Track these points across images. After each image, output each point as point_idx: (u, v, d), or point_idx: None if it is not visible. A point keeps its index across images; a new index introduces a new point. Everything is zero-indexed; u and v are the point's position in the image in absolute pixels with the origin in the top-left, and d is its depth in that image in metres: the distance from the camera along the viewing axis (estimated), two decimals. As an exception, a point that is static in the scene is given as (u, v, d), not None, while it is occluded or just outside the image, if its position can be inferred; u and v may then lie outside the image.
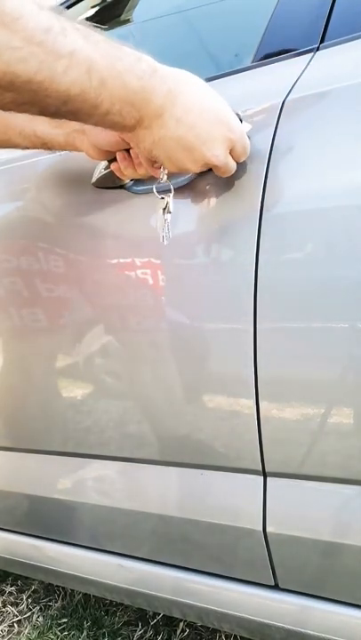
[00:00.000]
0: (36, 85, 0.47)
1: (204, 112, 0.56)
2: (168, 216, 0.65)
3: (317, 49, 0.68)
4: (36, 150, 0.89)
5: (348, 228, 0.59)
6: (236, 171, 0.62)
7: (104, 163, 0.73)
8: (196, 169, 0.60)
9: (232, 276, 0.66)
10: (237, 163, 0.62)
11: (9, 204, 0.91)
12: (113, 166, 0.69)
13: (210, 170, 0.62)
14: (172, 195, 0.64)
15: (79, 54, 0.48)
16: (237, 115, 0.61)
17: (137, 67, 0.52)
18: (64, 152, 0.83)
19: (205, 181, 0.67)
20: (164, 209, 0.65)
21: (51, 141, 0.72)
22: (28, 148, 0.76)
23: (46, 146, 0.73)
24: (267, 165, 0.63)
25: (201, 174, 0.67)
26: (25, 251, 0.84)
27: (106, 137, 0.66)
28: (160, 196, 0.65)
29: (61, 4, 1.03)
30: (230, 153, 0.60)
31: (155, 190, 0.64)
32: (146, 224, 0.73)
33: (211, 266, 0.68)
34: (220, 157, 0.59)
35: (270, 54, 0.73)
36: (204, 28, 1.00)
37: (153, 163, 0.62)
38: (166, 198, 0.65)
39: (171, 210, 0.65)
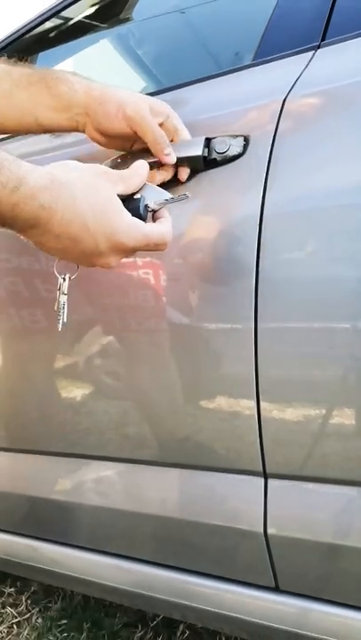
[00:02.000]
0: None
1: (88, 226, 0.52)
2: (63, 298, 0.59)
3: (318, 47, 0.68)
4: (37, 150, 0.88)
5: (348, 227, 0.59)
6: (236, 170, 0.62)
7: (107, 162, 0.72)
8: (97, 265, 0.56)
9: (232, 276, 0.65)
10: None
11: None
12: None
13: (210, 169, 0.61)
14: (68, 277, 0.59)
15: None
16: (146, 206, 0.58)
17: None
18: (65, 152, 0.83)
19: (206, 181, 0.66)
20: (59, 289, 0.59)
21: (52, 126, 0.70)
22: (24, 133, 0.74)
23: (47, 131, 0.71)
24: (267, 164, 0.63)
25: (201, 174, 0.66)
26: (26, 251, 0.84)
27: (110, 122, 0.65)
28: (60, 276, 0.59)
29: (61, 4, 1.03)
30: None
31: (55, 269, 0.59)
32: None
33: (211, 266, 0.67)
34: (114, 264, 0.56)
35: (271, 53, 0.72)
36: (205, 27, 1.00)
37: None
38: (66, 279, 0.59)
39: (65, 291, 0.59)
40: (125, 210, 0.55)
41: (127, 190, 0.56)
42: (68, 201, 0.50)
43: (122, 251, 0.55)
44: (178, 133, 0.68)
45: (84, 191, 0.52)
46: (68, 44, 1.16)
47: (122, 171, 0.58)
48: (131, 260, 0.73)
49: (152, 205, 0.59)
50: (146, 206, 0.58)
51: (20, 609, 1.22)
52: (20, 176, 0.47)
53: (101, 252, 0.54)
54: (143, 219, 0.57)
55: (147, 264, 0.72)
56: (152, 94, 0.80)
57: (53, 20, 1.07)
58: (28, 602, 1.24)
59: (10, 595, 1.27)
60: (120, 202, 0.55)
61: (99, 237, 0.53)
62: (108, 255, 0.55)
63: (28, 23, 1.04)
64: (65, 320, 0.59)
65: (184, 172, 0.68)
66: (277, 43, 0.74)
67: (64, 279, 0.59)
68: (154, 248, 0.57)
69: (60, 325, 0.59)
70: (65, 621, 1.16)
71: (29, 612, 1.21)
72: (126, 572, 0.84)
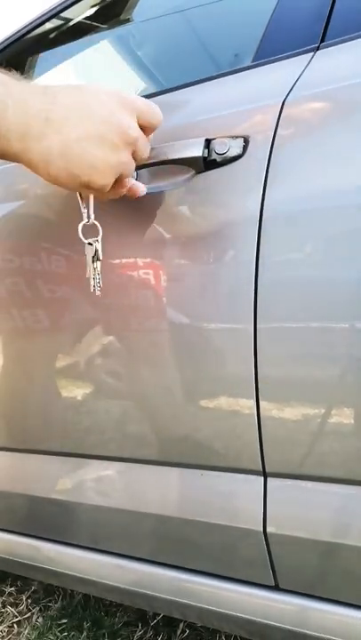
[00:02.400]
0: None
1: (88, 89, 0.54)
2: (98, 264, 0.59)
3: (318, 48, 0.68)
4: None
5: (348, 227, 0.59)
6: (236, 170, 0.62)
7: None
8: (124, 157, 0.56)
9: (232, 276, 0.66)
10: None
11: (10, 204, 0.91)
12: None
13: (209, 170, 0.61)
14: (100, 237, 0.58)
15: None
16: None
17: None
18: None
19: (206, 181, 0.67)
20: (93, 257, 0.60)
21: None
22: None
23: None
24: (267, 165, 0.63)
25: (201, 175, 0.67)
26: (26, 251, 0.84)
27: None
28: (87, 242, 0.59)
29: (61, 5, 1.03)
30: (133, 155, 0.57)
31: (80, 234, 0.59)
32: (147, 224, 0.72)
33: (211, 266, 0.68)
34: (133, 126, 0.55)
35: (271, 54, 0.73)
36: (205, 28, 1.00)
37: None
38: (95, 245, 0.59)
39: (100, 257, 0.59)
40: None
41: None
42: (62, 86, 0.53)
43: (129, 104, 0.55)
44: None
45: (75, 89, 0.55)
46: (68, 45, 1.16)
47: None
48: (131, 259, 0.74)
49: None
50: None
51: (20, 608, 1.22)
52: (18, 81, 0.52)
53: (112, 109, 0.54)
54: None
55: (147, 264, 0.72)
56: (152, 95, 0.81)
57: (53, 20, 1.07)
58: (29, 601, 1.24)
59: (10, 594, 1.27)
60: None
61: (102, 95, 0.54)
62: (120, 110, 0.54)
63: (29, 24, 1.04)
64: (100, 284, 0.60)
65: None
66: (277, 44, 0.74)
67: (90, 244, 0.59)
68: (152, 114, 0.57)
69: (97, 291, 0.59)
70: (65, 621, 1.16)
71: (30, 611, 1.21)
72: (126, 571, 0.85)
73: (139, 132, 0.56)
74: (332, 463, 0.63)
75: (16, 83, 0.52)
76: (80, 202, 0.59)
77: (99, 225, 0.60)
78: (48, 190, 0.86)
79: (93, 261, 0.60)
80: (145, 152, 0.58)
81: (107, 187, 0.56)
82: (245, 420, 0.66)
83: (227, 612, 0.76)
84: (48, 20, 1.05)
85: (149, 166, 0.69)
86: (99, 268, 0.60)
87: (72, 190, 0.58)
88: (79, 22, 1.10)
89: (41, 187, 0.88)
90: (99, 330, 0.79)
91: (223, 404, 0.69)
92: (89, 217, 0.59)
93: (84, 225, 0.60)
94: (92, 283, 0.60)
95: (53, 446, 0.89)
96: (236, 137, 0.65)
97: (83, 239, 0.59)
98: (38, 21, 1.04)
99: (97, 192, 0.57)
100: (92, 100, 0.53)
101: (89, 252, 0.60)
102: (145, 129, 0.58)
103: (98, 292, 0.60)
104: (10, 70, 0.68)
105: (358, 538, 0.63)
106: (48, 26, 1.08)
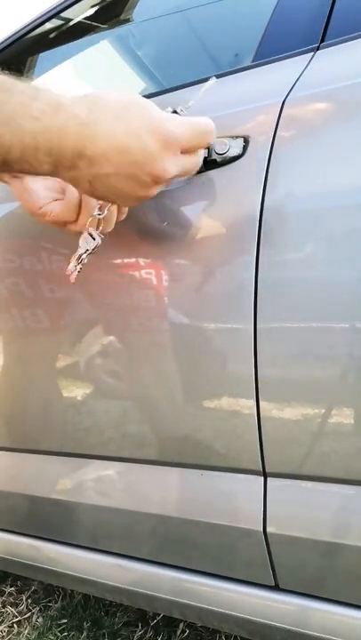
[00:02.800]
0: None
1: (131, 126, 0.50)
2: (86, 258, 0.61)
3: (318, 48, 0.68)
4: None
5: (348, 227, 0.59)
6: (236, 170, 0.62)
7: None
8: (152, 192, 0.55)
9: (232, 276, 0.66)
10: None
11: (10, 204, 0.91)
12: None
13: (209, 170, 0.61)
14: (97, 243, 0.60)
15: None
16: (175, 111, 0.58)
17: (32, 106, 0.47)
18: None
19: (205, 181, 0.67)
20: (94, 249, 0.61)
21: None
22: None
23: None
24: (267, 165, 0.63)
25: (201, 175, 0.67)
26: (27, 251, 0.84)
27: None
28: (90, 233, 0.61)
29: (61, 5, 1.03)
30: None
31: (87, 225, 0.60)
32: (147, 224, 0.72)
33: (211, 266, 0.68)
34: (171, 169, 0.53)
35: (271, 54, 0.73)
36: (205, 28, 1.00)
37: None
38: (97, 238, 0.61)
39: (94, 252, 0.61)
40: None
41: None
42: (105, 108, 0.50)
43: (173, 145, 0.52)
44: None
45: (115, 96, 0.51)
46: (68, 45, 1.16)
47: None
48: (132, 259, 0.74)
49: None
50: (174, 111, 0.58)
51: (20, 608, 1.22)
52: (57, 99, 0.48)
53: (152, 152, 0.51)
54: None
55: (147, 264, 0.72)
56: (152, 95, 0.81)
57: (53, 20, 1.07)
58: (29, 601, 1.24)
59: (10, 594, 1.27)
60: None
61: (145, 136, 0.50)
62: (161, 155, 0.51)
63: (29, 24, 1.04)
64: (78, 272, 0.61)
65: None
66: (277, 44, 0.74)
67: (93, 236, 0.60)
68: (202, 139, 0.55)
69: (73, 277, 0.61)
70: (65, 621, 1.16)
71: (30, 611, 1.21)
72: (126, 570, 0.85)
73: (175, 172, 0.54)
74: (333, 463, 0.63)
75: (55, 104, 0.49)
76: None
77: (99, 238, 0.61)
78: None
79: (87, 252, 0.61)
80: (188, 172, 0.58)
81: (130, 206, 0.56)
82: (245, 420, 0.67)
83: (227, 611, 0.76)
84: (48, 19, 1.05)
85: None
86: (85, 260, 0.61)
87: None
88: (79, 22, 1.10)
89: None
90: (98, 330, 0.79)
91: (223, 404, 0.69)
92: (101, 211, 0.60)
93: (92, 218, 0.60)
94: (73, 267, 0.61)
95: (53, 446, 0.89)
96: (237, 137, 0.65)
97: (90, 230, 0.60)
98: (38, 21, 1.04)
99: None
100: (132, 142, 0.50)
101: (89, 241, 0.60)
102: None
103: (73, 279, 0.61)
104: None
105: (358, 538, 0.63)
106: (48, 26, 1.08)
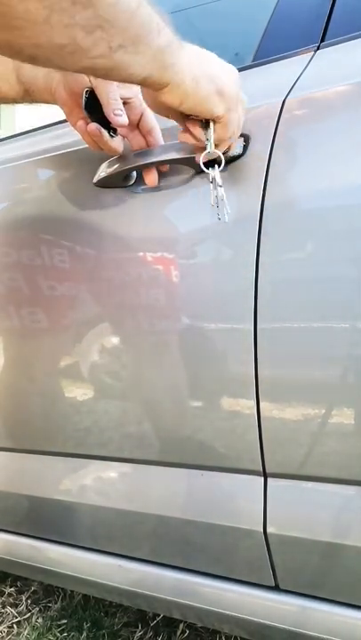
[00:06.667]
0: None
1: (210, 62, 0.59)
2: (220, 190, 0.60)
3: (318, 48, 0.68)
4: (38, 150, 0.89)
5: (348, 227, 0.59)
6: (236, 170, 0.62)
7: (107, 163, 0.72)
8: (222, 108, 0.57)
9: (232, 276, 0.65)
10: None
11: (10, 204, 0.91)
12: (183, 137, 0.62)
13: (209, 170, 0.61)
14: (218, 168, 0.61)
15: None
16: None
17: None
18: (65, 152, 0.83)
19: (206, 181, 0.66)
20: (213, 182, 0.61)
21: (31, 87, 0.70)
22: (11, 101, 0.73)
23: (27, 94, 0.71)
24: (267, 165, 0.63)
25: (201, 174, 0.66)
26: (27, 251, 0.84)
27: (76, 78, 0.64)
28: (206, 169, 0.61)
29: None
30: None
31: (201, 162, 0.60)
32: (147, 224, 0.72)
33: (211, 266, 0.68)
34: (232, 88, 0.58)
35: (271, 53, 0.73)
36: (205, 27, 1.00)
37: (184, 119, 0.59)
38: (211, 172, 0.61)
39: (220, 183, 0.60)
40: None
41: None
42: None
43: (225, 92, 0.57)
44: (145, 114, 0.68)
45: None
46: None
47: None
48: (131, 260, 0.74)
49: None
50: None
51: (20, 609, 1.22)
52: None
53: (231, 73, 0.58)
54: None
55: (146, 264, 0.72)
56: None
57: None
58: (29, 601, 1.24)
59: (10, 594, 1.27)
60: None
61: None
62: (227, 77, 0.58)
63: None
64: (229, 211, 0.60)
65: (152, 177, 0.69)
66: (277, 43, 0.74)
67: (212, 170, 0.60)
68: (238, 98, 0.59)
69: (225, 217, 0.60)
70: (65, 621, 1.16)
71: (29, 611, 1.21)
72: (126, 571, 0.85)
73: (222, 110, 0.57)
74: (333, 463, 0.63)
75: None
76: (202, 132, 0.60)
77: (221, 154, 0.60)
78: (47, 191, 0.86)
79: (214, 187, 0.61)
80: (229, 130, 0.59)
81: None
82: (246, 420, 0.66)
83: (227, 612, 0.76)
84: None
85: (150, 166, 0.69)
86: (222, 195, 0.60)
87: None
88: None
89: (40, 187, 0.88)
90: (99, 330, 0.79)
91: (224, 405, 0.69)
92: (211, 146, 0.60)
93: (204, 154, 0.60)
94: (216, 211, 0.61)
95: (53, 446, 0.89)
96: None
97: (203, 167, 0.60)
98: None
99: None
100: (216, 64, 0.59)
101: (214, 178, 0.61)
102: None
103: (226, 219, 0.60)
104: None
105: (358, 538, 0.63)
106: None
